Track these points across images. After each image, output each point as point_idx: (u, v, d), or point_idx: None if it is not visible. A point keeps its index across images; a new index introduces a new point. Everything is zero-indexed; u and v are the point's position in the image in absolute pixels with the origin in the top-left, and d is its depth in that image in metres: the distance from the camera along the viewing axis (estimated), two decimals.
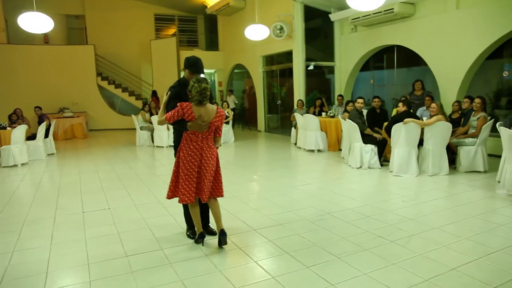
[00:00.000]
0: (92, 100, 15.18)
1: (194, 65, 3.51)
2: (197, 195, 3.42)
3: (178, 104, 3.27)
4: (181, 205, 3.66)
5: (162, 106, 3.48)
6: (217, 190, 3.54)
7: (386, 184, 5.78)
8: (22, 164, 8.03)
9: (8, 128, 8.44)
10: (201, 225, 3.57)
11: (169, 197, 3.54)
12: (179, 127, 3.38)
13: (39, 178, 6.84)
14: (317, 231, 3.81)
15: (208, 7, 14.61)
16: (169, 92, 3.50)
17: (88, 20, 15.85)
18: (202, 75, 3.52)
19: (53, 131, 9.79)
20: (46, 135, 9.30)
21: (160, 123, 3.40)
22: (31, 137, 8.87)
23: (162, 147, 10.02)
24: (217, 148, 3.54)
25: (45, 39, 15.49)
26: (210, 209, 3.59)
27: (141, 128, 10.56)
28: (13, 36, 14.58)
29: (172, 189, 3.49)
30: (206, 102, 3.31)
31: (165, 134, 10.02)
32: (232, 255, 3.35)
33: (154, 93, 14.32)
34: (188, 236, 3.76)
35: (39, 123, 9.31)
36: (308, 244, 3.50)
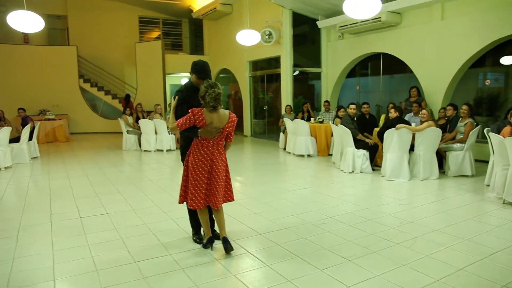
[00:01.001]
0: (73, 103, 14.85)
1: (202, 71, 3.42)
2: (208, 203, 3.38)
3: (189, 110, 3.21)
4: (181, 209, 3.65)
5: (171, 112, 3.40)
6: (228, 195, 3.54)
7: (380, 188, 5.90)
8: (6, 168, 7.77)
9: None
10: (210, 229, 3.57)
11: (181, 201, 3.52)
12: (190, 134, 3.29)
13: (26, 182, 6.63)
14: (323, 235, 3.86)
15: (194, 11, 14.58)
16: (176, 97, 3.42)
17: (70, 20, 15.52)
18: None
19: (37, 134, 9.51)
20: (30, 138, 9.03)
21: (173, 130, 3.29)
22: (13, 139, 8.59)
23: (150, 151, 9.89)
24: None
25: (25, 38, 15.07)
26: (214, 216, 3.55)
27: (127, 132, 10.40)
28: None
29: (183, 194, 3.47)
30: (220, 107, 3.27)
31: (153, 138, 9.91)
32: (243, 259, 3.35)
33: (127, 97, 14.13)
34: (195, 241, 3.73)
35: (23, 125, 9.03)
36: (316, 247, 3.54)
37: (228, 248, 3.38)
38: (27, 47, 14.57)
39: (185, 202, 3.51)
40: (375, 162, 7.12)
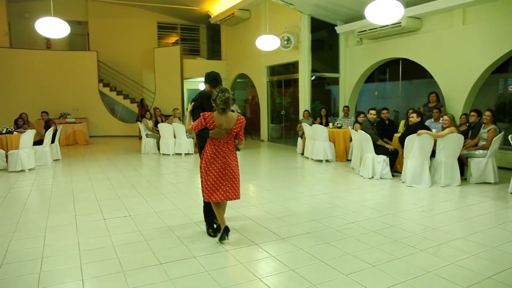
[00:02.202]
0: (93, 107, 15.13)
1: (214, 80, 3.93)
2: (227, 198, 3.73)
3: (201, 114, 3.65)
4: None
5: (188, 115, 3.97)
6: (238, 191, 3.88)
7: (401, 194, 5.85)
8: (30, 169, 7.96)
9: (15, 133, 8.38)
10: (224, 220, 3.83)
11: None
12: (203, 134, 3.76)
13: (49, 184, 6.79)
14: (346, 240, 3.85)
15: (212, 16, 14.73)
16: (193, 103, 3.97)
17: (91, 26, 15.88)
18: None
19: (59, 136, 9.73)
20: (52, 141, 9.24)
21: (189, 131, 3.82)
22: (37, 142, 8.80)
23: (169, 155, 10.00)
24: (238, 150, 3.93)
25: (47, 44, 15.47)
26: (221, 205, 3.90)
27: (147, 136, 10.54)
28: (15, 40, 14.55)
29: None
30: (229, 110, 3.66)
31: (171, 142, 10.02)
32: (267, 262, 3.37)
33: (141, 101, 14.37)
34: (209, 234, 4.03)
35: (46, 128, 9.24)
36: (340, 252, 3.54)
37: (225, 236, 3.79)
38: (50, 52, 14.93)
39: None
40: (395, 168, 7.07)
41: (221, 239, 3.79)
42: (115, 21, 15.95)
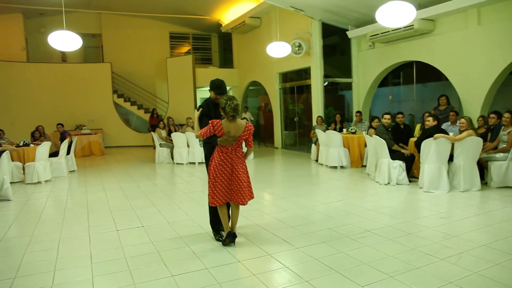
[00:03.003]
0: (108, 117, 15.32)
1: (219, 87, 4.05)
2: (232, 200, 3.84)
3: (210, 122, 3.72)
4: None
5: (196, 122, 4.00)
6: (250, 193, 3.97)
7: (418, 200, 5.69)
8: (46, 181, 8.05)
9: (31, 145, 8.51)
10: (229, 225, 3.95)
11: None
12: (211, 141, 3.83)
13: (65, 195, 6.84)
14: (362, 249, 3.74)
15: (223, 25, 14.81)
16: (200, 109, 4.04)
17: (104, 38, 16.14)
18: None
19: (74, 148, 9.84)
20: (68, 152, 9.34)
21: (197, 137, 3.85)
22: (53, 154, 8.91)
23: (182, 164, 10.01)
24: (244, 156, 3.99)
25: (63, 57, 15.76)
26: (231, 212, 4.00)
27: (160, 145, 10.58)
28: (32, 54, 14.87)
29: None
30: (238, 117, 3.74)
31: (185, 151, 10.03)
32: (281, 274, 3.28)
33: (153, 111, 14.47)
34: (217, 239, 4.10)
35: (61, 140, 9.36)
36: (356, 262, 3.43)
37: (233, 241, 3.90)
38: (65, 65, 15.22)
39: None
40: (412, 173, 6.91)
41: (224, 243, 3.91)
42: (128, 33, 16.17)
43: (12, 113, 13.87)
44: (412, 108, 10.09)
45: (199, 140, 9.87)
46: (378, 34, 9.21)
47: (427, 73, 9.42)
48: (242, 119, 11.19)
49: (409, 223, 4.52)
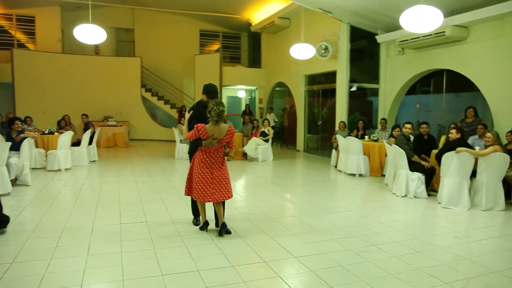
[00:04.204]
0: (135, 111, 15.59)
1: (211, 92, 4.36)
2: (212, 198, 4.09)
3: (195, 126, 4.02)
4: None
5: (185, 123, 4.30)
6: (229, 192, 4.23)
7: (434, 216, 5.40)
8: (66, 169, 8.25)
9: (56, 134, 8.75)
10: (205, 215, 4.38)
11: (186, 194, 4.38)
12: (196, 143, 4.17)
13: (80, 185, 6.96)
14: (362, 264, 3.56)
15: (253, 25, 14.77)
16: (191, 111, 4.33)
17: (136, 33, 16.46)
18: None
19: (97, 138, 10.05)
20: (90, 142, 9.55)
21: (185, 139, 4.18)
22: (76, 143, 9.14)
23: None
24: (226, 155, 4.27)
25: (96, 50, 16.18)
26: (215, 208, 4.31)
27: (180, 141, 10.64)
28: (67, 46, 15.35)
29: (187, 188, 4.34)
30: (221, 122, 4.02)
31: None
32: (271, 284, 3.16)
33: (181, 108, 14.57)
34: (194, 223, 4.60)
35: (85, 130, 9.59)
36: (353, 278, 3.25)
37: (227, 230, 4.26)
38: (97, 58, 15.61)
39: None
40: (432, 186, 6.59)
41: (202, 229, 4.37)
42: (159, 28, 16.42)
43: (46, 101, 14.36)
44: (441, 118, 9.67)
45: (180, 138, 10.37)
46: (408, 40, 8.87)
47: (458, 83, 8.99)
48: (264, 120, 11.08)
49: (419, 240, 4.27)
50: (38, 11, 14.97)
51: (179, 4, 15.00)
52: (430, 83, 10.05)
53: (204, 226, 4.37)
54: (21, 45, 15.24)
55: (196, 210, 4.60)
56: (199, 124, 4.02)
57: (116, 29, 16.76)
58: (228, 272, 3.34)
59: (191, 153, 4.38)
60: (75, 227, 4.52)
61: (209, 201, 4.12)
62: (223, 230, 4.22)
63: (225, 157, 4.29)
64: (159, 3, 15.20)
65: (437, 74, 9.44)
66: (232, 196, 4.26)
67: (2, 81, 14.26)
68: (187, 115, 4.32)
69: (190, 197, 4.53)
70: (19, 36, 15.30)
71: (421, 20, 5.03)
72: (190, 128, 4.22)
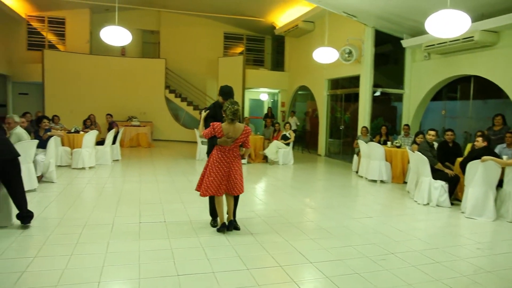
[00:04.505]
0: (158, 111, 15.84)
1: (227, 93, 4.44)
2: (227, 192, 4.29)
3: (211, 124, 4.16)
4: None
5: (201, 122, 4.46)
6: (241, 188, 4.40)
7: (457, 226, 5.25)
8: (90, 168, 8.45)
9: (81, 132, 8.98)
10: (224, 216, 4.40)
11: (196, 189, 4.41)
12: (212, 141, 4.25)
13: (103, 183, 7.12)
14: (379, 273, 3.49)
15: (277, 28, 14.79)
16: (207, 111, 4.51)
17: (162, 35, 16.74)
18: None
19: (120, 138, 10.25)
20: (114, 142, 9.76)
21: (201, 137, 4.41)
22: (100, 142, 9.36)
23: None
24: (242, 158, 4.43)
25: (122, 51, 16.54)
26: (227, 201, 4.41)
27: (202, 142, 10.74)
28: (95, 47, 15.76)
29: (198, 185, 4.37)
30: (237, 121, 4.11)
31: None
32: None
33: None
34: (212, 225, 4.62)
35: (109, 129, 9.81)
36: (369, 286, 3.20)
37: (236, 226, 4.45)
38: (124, 59, 15.95)
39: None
40: (456, 195, 6.40)
41: (219, 231, 4.38)
42: (184, 31, 16.65)
43: (73, 101, 14.77)
44: (468, 125, 9.40)
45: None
46: (434, 45, 8.68)
47: (486, 89, 8.71)
48: (286, 123, 11.05)
49: (440, 250, 4.16)
50: (69, 13, 15.45)
51: (204, 6, 15.17)
52: (456, 89, 9.79)
53: (222, 228, 4.39)
54: (52, 46, 15.75)
55: (214, 212, 4.63)
56: (215, 123, 4.14)
57: (142, 31, 17.11)
58: (243, 275, 3.34)
59: (209, 153, 4.47)
60: (95, 225, 4.62)
61: (220, 195, 4.26)
62: (231, 226, 4.37)
63: (242, 158, 4.41)
64: (184, 6, 15.42)
65: (464, 80, 9.19)
66: (243, 191, 4.40)
67: (34, 81, 14.79)
68: (203, 114, 4.49)
69: (208, 198, 4.60)
70: (50, 37, 15.82)
71: (448, 25, 4.91)
72: (206, 126, 4.33)
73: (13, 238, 4.04)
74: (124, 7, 15.57)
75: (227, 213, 4.47)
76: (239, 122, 4.25)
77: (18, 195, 4.36)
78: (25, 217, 4.36)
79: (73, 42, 15.50)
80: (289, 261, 3.70)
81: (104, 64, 15.26)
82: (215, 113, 4.47)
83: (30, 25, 15.46)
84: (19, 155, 4.42)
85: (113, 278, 3.22)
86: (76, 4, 14.73)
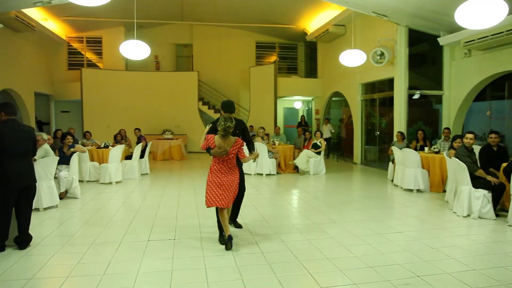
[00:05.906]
0: (192, 123, 15.90)
1: (225, 107, 4.73)
2: (220, 204, 4.22)
3: (206, 136, 4.40)
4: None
5: (203, 136, 4.53)
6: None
7: (502, 242, 4.58)
8: (117, 182, 8.47)
9: (110, 147, 9.07)
10: (228, 229, 4.33)
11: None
12: (208, 153, 4.40)
13: (124, 198, 7.06)
14: None
15: (308, 34, 14.43)
16: (210, 125, 4.70)
17: (195, 48, 16.91)
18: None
19: (153, 151, 10.26)
20: (142, 156, 9.79)
21: (201, 148, 4.42)
22: (129, 156, 9.41)
23: (250, 174, 9.76)
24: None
25: (157, 66, 16.88)
26: (220, 216, 4.38)
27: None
28: (131, 63, 16.18)
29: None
30: (228, 136, 4.25)
31: (253, 162, 9.80)
32: None
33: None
34: (220, 242, 4.45)
35: (138, 143, 9.86)
36: None
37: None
38: (158, 73, 16.24)
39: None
40: (502, 205, 5.68)
41: (227, 248, 4.22)
42: (216, 42, 16.71)
43: (110, 116, 15.20)
44: None
45: (268, 152, 9.74)
46: (474, 40, 7.95)
47: None
48: (316, 131, 10.61)
49: (478, 272, 3.58)
50: (105, 32, 16.02)
51: (235, 17, 15.15)
52: (503, 87, 8.90)
53: (229, 241, 4.25)
54: (91, 65, 16.36)
55: (220, 225, 4.51)
56: (209, 135, 4.36)
57: (175, 45, 17.39)
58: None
59: None
60: (103, 243, 4.47)
61: (216, 206, 4.25)
62: (228, 243, 4.23)
63: (239, 168, 4.58)
64: (216, 18, 15.49)
65: (511, 77, 8.33)
66: (229, 206, 4.42)
67: (74, 99, 15.41)
68: (206, 128, 4.71)
69: (215, 212, 4.51)
70: (89, 55, 16.45)
71: (479, 15, 4.35)
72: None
73: (16, 259, 3.96)
74: (158, 23, 15.93)
75: (224, 229, 4.41)
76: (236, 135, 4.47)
77: (24, 219, 4.34)
78: (23, 241, 4.29)
79: (110, 60, 16.03)
80: (297, 285, 3.31)
81: (139, 79, 15.61)
82: (216, 128, 4.52)
83: (70, 45, 16.19)
84: (35, 181, 4.47)
85: None
86: (111, 23, 15.25)
